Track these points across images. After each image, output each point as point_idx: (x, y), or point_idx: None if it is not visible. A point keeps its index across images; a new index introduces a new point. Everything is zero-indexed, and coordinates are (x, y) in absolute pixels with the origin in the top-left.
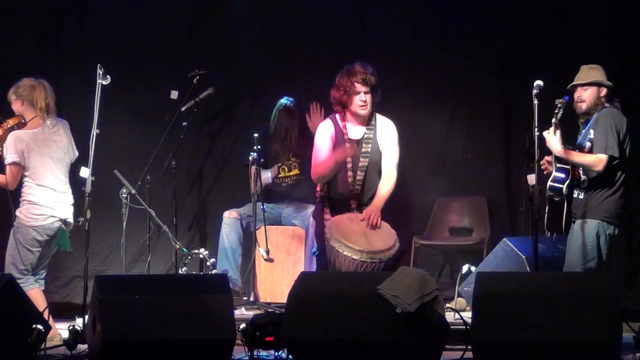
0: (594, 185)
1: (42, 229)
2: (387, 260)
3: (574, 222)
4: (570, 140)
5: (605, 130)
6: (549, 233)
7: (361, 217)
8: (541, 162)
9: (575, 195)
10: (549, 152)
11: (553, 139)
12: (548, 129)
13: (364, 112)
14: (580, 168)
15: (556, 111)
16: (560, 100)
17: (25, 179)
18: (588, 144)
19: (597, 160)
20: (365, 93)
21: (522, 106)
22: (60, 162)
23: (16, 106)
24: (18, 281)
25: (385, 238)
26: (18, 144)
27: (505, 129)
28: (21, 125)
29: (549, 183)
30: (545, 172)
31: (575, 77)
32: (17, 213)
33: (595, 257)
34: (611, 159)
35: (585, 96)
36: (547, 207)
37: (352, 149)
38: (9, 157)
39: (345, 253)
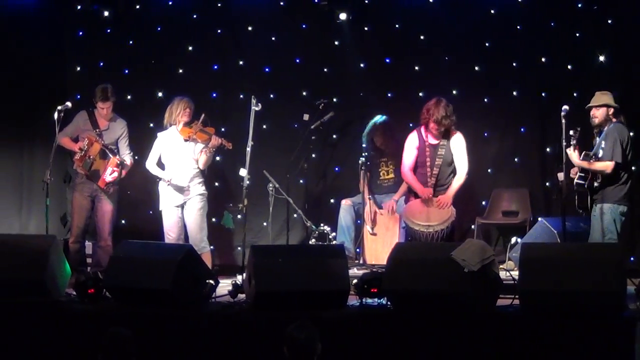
0: (606, 179)
1: None
2: (441, 230)
3: (595, 205)
4: (587, 144)
5: (614, 142)
6: (581, 212)
7: (436, 201)
8: (572, 172)
9: (595, 186)
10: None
11: (573, 155)
12: (570, 146)
13: (435, 137)
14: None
15: (572, 137)
16: (575, 130)
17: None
18: (601, 152)
19: (606, 167)
20: (437, 128)
21: (553, 124)
22: None
23: None
24: (202, 246)
25: (442, 215)
26: None
27: (542, 140)
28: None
29: (575, 180)
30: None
31: (591, 100)
32: (204, 191)
33: (614, 231)
34: (616, 164)
35: (597, 114)
36: (576, 196)
37: (427, 192)
38: None
39: (410, 225)
